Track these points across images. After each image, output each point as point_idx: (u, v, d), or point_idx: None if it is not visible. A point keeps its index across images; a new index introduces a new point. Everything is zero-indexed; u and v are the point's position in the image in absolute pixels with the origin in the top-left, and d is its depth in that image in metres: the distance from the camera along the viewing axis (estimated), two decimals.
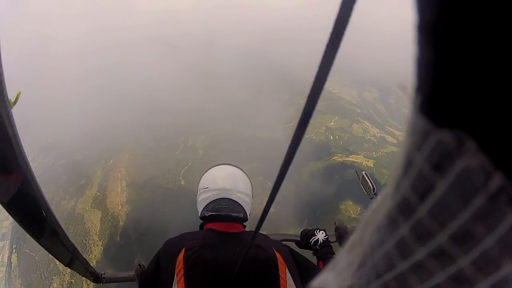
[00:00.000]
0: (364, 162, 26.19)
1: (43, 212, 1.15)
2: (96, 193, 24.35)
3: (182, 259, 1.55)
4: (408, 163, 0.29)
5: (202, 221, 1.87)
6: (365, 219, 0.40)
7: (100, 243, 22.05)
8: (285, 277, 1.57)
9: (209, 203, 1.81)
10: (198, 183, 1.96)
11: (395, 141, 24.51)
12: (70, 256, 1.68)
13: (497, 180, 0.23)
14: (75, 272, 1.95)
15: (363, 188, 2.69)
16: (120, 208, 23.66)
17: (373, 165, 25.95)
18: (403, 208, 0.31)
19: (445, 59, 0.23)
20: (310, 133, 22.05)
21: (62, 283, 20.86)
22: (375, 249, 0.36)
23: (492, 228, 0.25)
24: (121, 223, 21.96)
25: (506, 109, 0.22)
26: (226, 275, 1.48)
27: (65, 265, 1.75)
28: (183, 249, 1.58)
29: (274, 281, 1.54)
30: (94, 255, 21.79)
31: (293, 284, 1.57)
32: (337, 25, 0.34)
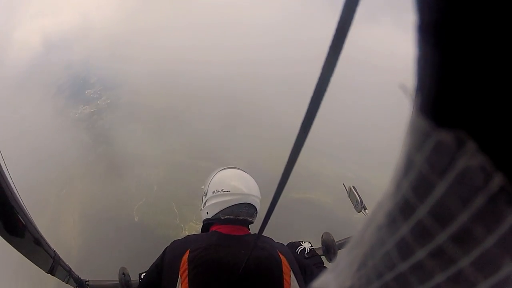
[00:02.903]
0: (322, 199, 24.71)
1: (22, 220, 1.19)
2: (48, 224, 23.31)
3: (186, 260, 1.57)
4: (408, 163, 0.29)
5: (206, 223, 1.90)
6: (366, 220, 0.40)
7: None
8: (289, 280, 1.59)
9: (229, 207, 1.81)
10: (208, 184, 1.95)
11: (353, 177, 24.18)
12: (52, 263, 1.68)
13: (497, 180, 0.24)
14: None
15: (351, 201, 2.70)
16: (74, 242, 22.65)
17: (332, 201, 24.49)
18: (403, 208, 0.31)
19: (445, 59, 0.23)
20: (266, 169, 21.46)
21: None
22: (376, 250, 0.36)
23: (492, 229, 0.25)
24: (75, 259, 21.00)
25: (506, 109, 0.22)
26: (230, 276, 1.50)
27: (47, 272, 1.74)
28: (188, 250, 1.61)
29: (278, 283, 1.56)
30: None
31: (297, 286, 1.58)
32: (339, 28, 0.34)
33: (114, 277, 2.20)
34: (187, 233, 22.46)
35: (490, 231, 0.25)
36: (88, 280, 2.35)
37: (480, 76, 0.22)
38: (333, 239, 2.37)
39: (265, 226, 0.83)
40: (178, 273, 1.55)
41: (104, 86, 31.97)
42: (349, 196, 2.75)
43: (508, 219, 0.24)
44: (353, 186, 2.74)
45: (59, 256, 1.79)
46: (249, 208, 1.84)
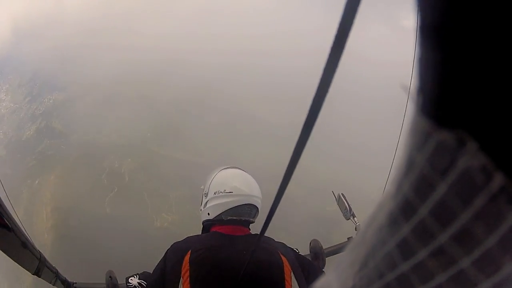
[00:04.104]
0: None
1: (8, 223, 1.23)
2: (22, 217, 22.64)
3: (188, 261, 1.58)
4: (410, 164, 0.29)
5: (207, 223, 1.90)
6: (367, 220, 0.40)
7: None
8: (290, 280, 1.59)
9: (232, 208, 1.81)
10: (208, 184, 1.94)
11: (324, 171, 23.81)
12: (38, 264, 1.70)
13: (497, 180, 0.24)
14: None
15: (339, 208, 2.70)
16: (46, 236, 21.99)
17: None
18: (405, 209, 0.31)
19: (447, 59, 0.24)
20: (240, 160, 20.96)
21: None
22: (377, 250, 0.36)
23: (493, 228, 0.25)
24: (47, 254, 20.14)
25: (507, 109, 0.22)
26: (232, 277, 1.50)
27: (33, 274, 1.75)
28: (189, 251, 1.61)
29: (279, 284, 1.56)
30: (26, 285, 20.06)
31: (297, 287, 1.59)
32: (341, 28, 0.34)
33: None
34: (159, 225, 21.65)
35: (491, 231, 0.25)
36: (75, 282, 2.35)
37: (481, 76, 0.22)
38: (321, 246, 2.36)
39: (267, 227, 0.82)
40: (180, 274, 1.55)
41: (79, 73, 30.61)
42: (337, 203, 2.74)
43: (509, 218, 0.24)
44: (342, 193, 2.71)
45: (45, 258, 1.80)
46: (251, 209, 1.84)
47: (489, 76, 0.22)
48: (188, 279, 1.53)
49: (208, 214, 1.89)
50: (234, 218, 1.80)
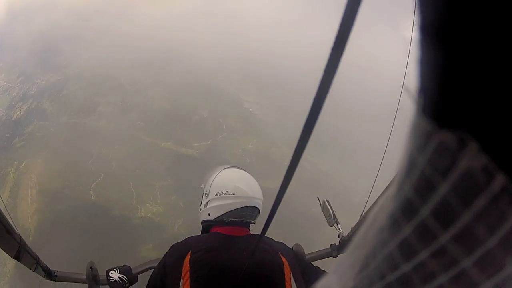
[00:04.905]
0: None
1: None
2: (7, 200, 22.43)
3: (188, 261, 1.58)
4: (411, 164, 0.29)
5: (206, 224, 1.89)
6: (368, 221, 0.40)
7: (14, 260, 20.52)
8: (290, 281, 1.60)
9: (234, 209, 1.80)
10: (210, 184, 1.91)
11: (311, 168, 23.38)
12: (18, 247, 1.69)
13: (499, 180, 0.24)
14: None
15: (324, 214, 2.69)
16: (30, 221, 21.68)
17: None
18: (406, 209, 0.31)
19: (448, 60, 0.24)
20: (226, 154, 20.50)
21: None
22: (378, 251, 0.36)
23: (494, 229, 0.25)
24: (30, 238, 19.95)
25: (508, 110, 0.22)
26: (232, 278, 1.50)
27: (13, 257, 1.75)
28: (189, 252, 1.61)
29: (280, 285, 1.57)
30: (8, 268, 19.83)
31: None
32: (342, 26, 0.34)
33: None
34: (143, 215, 21.24)
35: (492, 231, 0.25)
36: (57, 271, 2.35)
37: (482, 77, 0.22)
38: (304, 251, 2.30)
39: (268, 227, 0.81)
40: (180, 274, 1.56)
41: (73, 55, 29.99)
42: (322, 210, 2.73)
43: (510, 219, 0.24)
44: (326, 200, 2.71)
45: (25, 242, 1.81)
46: (253, 211, 1.84)
47: (490, 76, 0.22)
48: (189, 279, 1.53)
49: (209, 214, 1.87)
50: (235, 219, 1.80)
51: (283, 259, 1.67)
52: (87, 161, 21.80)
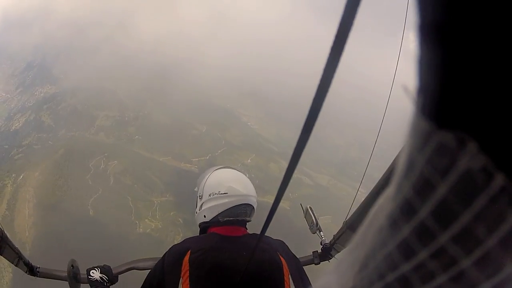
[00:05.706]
0: (280, 204, 23.48)
1: None
2: (4, 212, 22.24)
3: (188, 261, 1.57)
4: (410, 165, 0.29)
5: (203, 226, 1.89)
6: (367, 221, 0.40)
7: (10, 269, 20.27)
8: (289, 281, 1.61)
9: (228, 209, 1.80)
10: (202, 186, 1.91)
11: (311, 183, 23.26)
12: None
13: (498, 181, 0.24)
14: None
15: (306, 221, 2.69)
16: (27, 234, 21.53)
17: (289, 207, 23.29)
18: (405, 210, 0.31)
19: (446, 59, 0.23)
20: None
21: None
22: (377, 251, 0.36)
23: (493, 229, 0.25)
24: (28, 252, 19.81)
25: (507, 110, 0.22)
26: (232, 278, 1.50)
27: None
28: (189, 252, 1.61)
29: (279, 285, 1.58)
30: (5, 281, 19.86)
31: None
32: (341, 29, 0.34)
33: (65, 269, 2.16)
34: (141, 231, 21.16)
35: (491, 232, 0.25)
36: (39, 267, 2.35)
37: (481, 77, 0.22)
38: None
39: (267, 227, 0.81)
40: (180, 274, 1.55)
41: (71, 68, 30.08)
42: (305, 217, 2.72)
43: (510, 219, 0.24)
44: (309, 206, 2.71)
45: (6, 236, 1.77)
46: (247, 208, 1.83)
47: (490, 76, 0.22)
48: (188, 279, 1.53)
49: (204, 216, 1.87)
50: (231, 218, 1.80)
51: (282, 259, 1.67)
52: (85, 176, 21.70)
